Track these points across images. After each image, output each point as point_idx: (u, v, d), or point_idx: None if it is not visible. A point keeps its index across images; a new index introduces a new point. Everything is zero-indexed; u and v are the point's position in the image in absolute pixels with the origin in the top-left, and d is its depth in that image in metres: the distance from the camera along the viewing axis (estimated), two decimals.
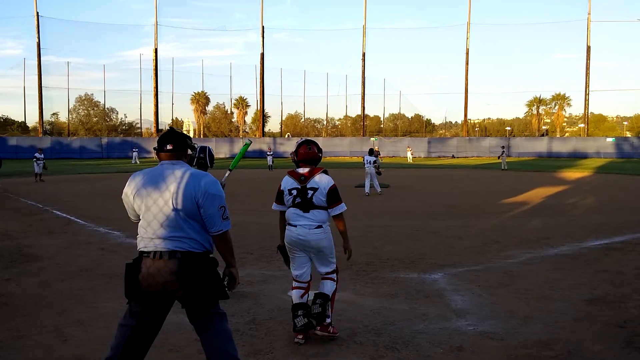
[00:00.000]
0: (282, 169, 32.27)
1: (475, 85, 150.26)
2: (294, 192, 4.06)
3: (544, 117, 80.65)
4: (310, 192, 4.02)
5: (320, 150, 4.24)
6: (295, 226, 4.04)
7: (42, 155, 22.38)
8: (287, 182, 4.13)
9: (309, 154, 4.14)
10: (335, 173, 28.15)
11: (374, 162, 16.15)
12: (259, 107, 65.43)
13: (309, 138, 4.32)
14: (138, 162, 42.15)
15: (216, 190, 2.91)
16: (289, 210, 4.10)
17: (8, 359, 3.79)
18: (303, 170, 4.11)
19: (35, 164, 22.10)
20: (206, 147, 5.36)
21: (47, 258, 7.19)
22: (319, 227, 4.04)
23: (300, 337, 4.02)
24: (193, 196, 2.83)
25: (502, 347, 3.95)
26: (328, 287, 4.13)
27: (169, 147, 2.96)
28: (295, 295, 4.13)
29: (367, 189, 16.15)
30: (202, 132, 77.83)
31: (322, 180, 4.07)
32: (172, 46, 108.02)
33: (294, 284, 4.18)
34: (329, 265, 4.18)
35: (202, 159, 5.24)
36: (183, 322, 3.83)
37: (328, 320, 4.05)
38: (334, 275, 4.19)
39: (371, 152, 16.63)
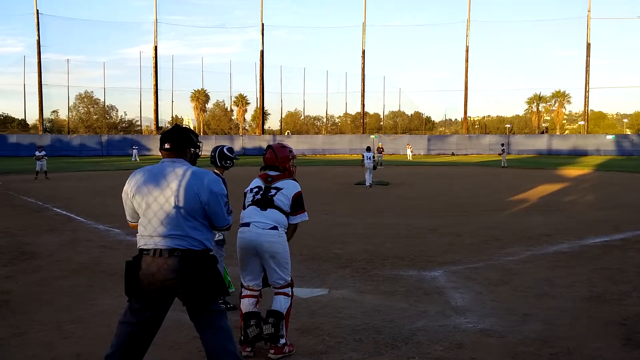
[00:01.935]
0: None
1: (475, 82, 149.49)
2: (256, 189, 3.90)
3: (544, 114, 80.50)
4: (273, 191, 3.84)
5: (284, 156, 4.01)
6: (248, 225, 3.74)
7: (44, 152, 22.01)
8: (253, 183, 3.98)
9: (267, 159, 4.01)
10: (335, 171, 28.11)
11: (373, 157, 18.63)
12: (258, 105, 65.30)
13: (275, 143, 4.16)
14: (138, 159, 42.11)
15: (219, 188, 2.93)
16: (246, 210, 3.86)
17: (8, 356, 3.80)
18: (272, 173, 3.99)
19: (37, 162, 21.69)
20: (218, 147, 5.11)
21: (47, 255, 7.20)
22: (274, 228, 3.72)
23: (249, 349, 3.73)
24: (196, 194, 2.84)
25: (502, 344, 3.96)
26: (282, 303, 3.77)
27: (167, 145, 2.97)
28: (246, 304, 3.82)
29: (368, 182, 18.27)
30: (202, 130, 77.75)
31: (289, 184, 3.90)
32: (172, 44, 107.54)
33: (244, 291, 3.88)
34: (282, 277, 3.79)
35: (212, 158, 5.02)
36: (183, 320, 3.84)
37: (282, 341, 3.70)
38: (288, 290, 3.82)
39: (369, 149, 19.20)
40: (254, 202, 3.84)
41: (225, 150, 5.07)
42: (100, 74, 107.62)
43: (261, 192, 3.87)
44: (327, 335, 4.14)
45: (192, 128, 75.55)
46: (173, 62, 70.63)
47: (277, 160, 3.99)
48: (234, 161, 5.10)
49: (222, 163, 5.03)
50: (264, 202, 3.81)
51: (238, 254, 3.83)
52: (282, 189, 3.85)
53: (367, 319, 4.52)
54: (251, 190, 3.93)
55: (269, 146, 4.10)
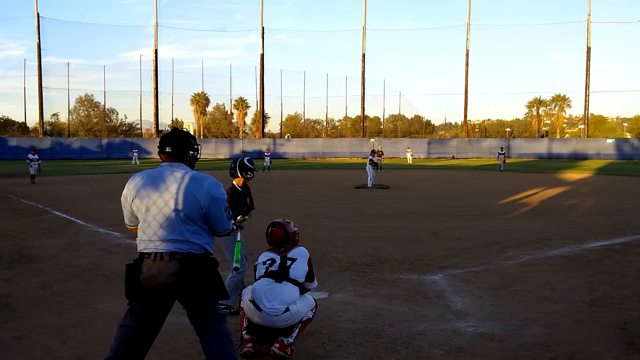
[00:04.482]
0: (281, 170, 32.26)
1: (475, 86, 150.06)
2: (269, 261, 3.99)
3: (544, 118, 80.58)
4: (289, 262, 3.95)
5: (294, 232, 4.16)
6: (261, 310, 3.76)
7: (37, 156, 22.10)
8: (264, 256, 4.08)
9: (278, 236, 4.13)
10: (336, 174, 28.09)
11: (371, 159, 19.89)
12: (258, 108, 65.40)
13: (280, 220, 4.28)
14: (138, 162, 42.12)
15: (220, 193, 2.92)
16: (258, 282, 3.91)
17: (8, 359, 3.79)
18: (283, 244, 4.11)
19: (29, 165, 21.80)
20: (238, 158, 5.21)
21: (47, 259, 7.19)
22: (287, 310, 3.77)
23: (250, 345, 3.79)
24: (195, 198, 2.84)
25: (502, 348, 3.95)
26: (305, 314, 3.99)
27: (167, 149, 2.96)
28: None
29: (369, 183, 19.25)
30: (202, 133, 77.82)
31: (300, 252, 4.04)
32: (173, 47, 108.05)
33: None
34: (307, 314, 3.99)
35: (233, 169, 5.11)
36: (183, 323, 3.84)
37: (290, 340, 3.80)
38: (312, 307, 4.10)
39: (373, 152, 20.90)
40: (269, 274, 3.93)
41: (245, 161, 5.15)
42: (100, 77, 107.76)
43: (276, 263, 3.97)
44: (327, 339, 4.13)
45: (192, 131, 75.98)
46: (173, 66, 70.59)
47: (287, 235, 4.13)
48: (253, 172, 5.16)
49: (243, 174, 5.09)
50: (280, 274, 3.90)
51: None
52: (296, 259, 3.99)
53: (367, 323, 4.51)
54: (264, 262, 4.02)
55: (275, 222, 4.21)
